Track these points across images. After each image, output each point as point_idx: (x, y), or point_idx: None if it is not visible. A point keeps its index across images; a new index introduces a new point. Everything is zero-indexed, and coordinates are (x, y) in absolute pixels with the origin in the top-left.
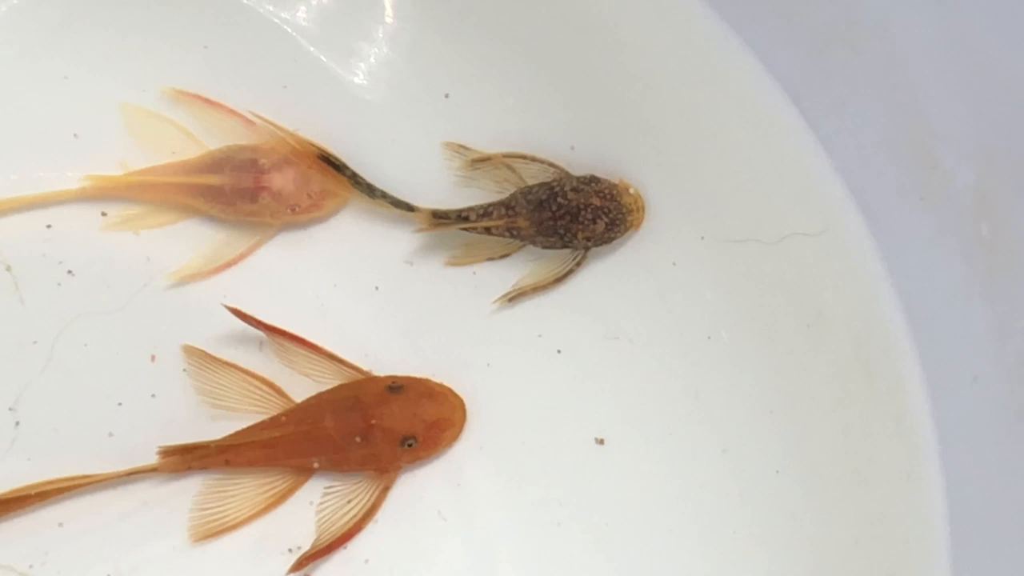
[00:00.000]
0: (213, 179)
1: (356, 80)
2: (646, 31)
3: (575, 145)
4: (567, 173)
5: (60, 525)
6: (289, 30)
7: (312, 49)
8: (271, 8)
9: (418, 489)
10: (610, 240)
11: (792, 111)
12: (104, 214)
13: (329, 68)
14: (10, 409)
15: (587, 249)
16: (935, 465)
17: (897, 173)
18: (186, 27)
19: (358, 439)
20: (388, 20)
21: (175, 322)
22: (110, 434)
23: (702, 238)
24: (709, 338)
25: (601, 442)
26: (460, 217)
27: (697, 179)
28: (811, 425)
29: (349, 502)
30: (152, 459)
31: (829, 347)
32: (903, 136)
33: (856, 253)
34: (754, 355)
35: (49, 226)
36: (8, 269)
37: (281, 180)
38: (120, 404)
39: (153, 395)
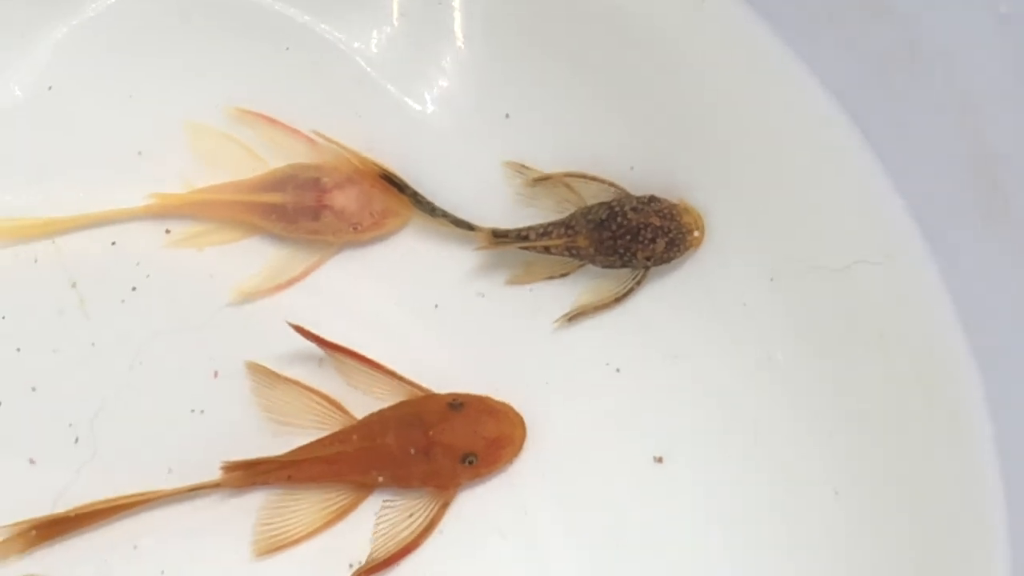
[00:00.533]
0: (276, 197)
1: (416, 100)
2: (707, 53)
3: (635, 165)
4: (627, 193)
5: (124, 540)
6: (354, 55)
7: (372, 71)
8: (338, 35)
9: (478, 506)
10: (670, 260)
11: (855, 133)
12: (168, 231)
13: (389, 88)
14: (69, 425)
15: (647, 268)
16: (997, 491)
17: (959, 196)
18: (252, 48)
19: (418, 455)
20: (457, 44)
21: (238, 339)
22: (173, 450)
23: (762, 260)
24: (768, 358)
25: (660, 461)
26: (520, 236)
27: (758, 200)
28: (870, 448)
29: (409, 516)
30: (215, 475)
31: (889, 369)
32: (965, 159)
33: (918, 275)
34: (813, 375)
35: (114, 243)
36: (73, 286)
37: (343, 199)
38: (183, 420)
39: (216, 411)
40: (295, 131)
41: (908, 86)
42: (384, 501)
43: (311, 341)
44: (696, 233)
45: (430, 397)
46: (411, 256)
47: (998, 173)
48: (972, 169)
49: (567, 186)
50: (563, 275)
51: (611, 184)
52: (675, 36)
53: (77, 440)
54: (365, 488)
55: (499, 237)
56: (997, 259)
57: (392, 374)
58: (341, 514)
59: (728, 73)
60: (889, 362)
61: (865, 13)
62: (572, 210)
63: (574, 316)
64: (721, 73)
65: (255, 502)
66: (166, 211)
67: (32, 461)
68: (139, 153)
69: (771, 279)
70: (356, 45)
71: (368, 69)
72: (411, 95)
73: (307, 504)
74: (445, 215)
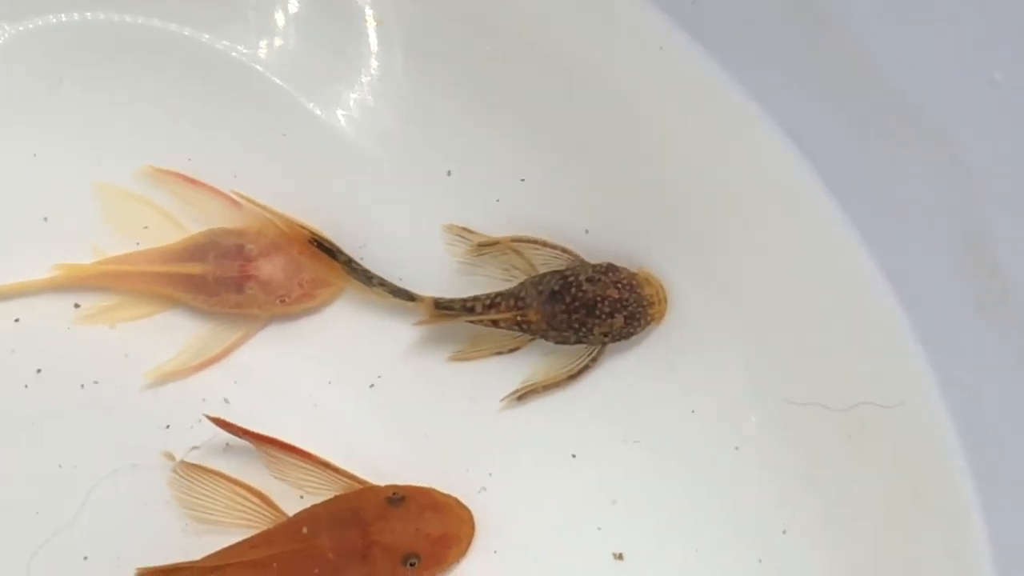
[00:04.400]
0: (195, 267)
1: (355, 161)
2: (669, 106)
3: (590, 228)
4: (582, 261)
5: None
6: (283, 89)
7: (305, 110)
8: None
9: None
10: (629, 335)
11: (833, 203)
12: (77, 306)
13: (327, 142)
14: None
15: (603, 344)
16: None
17: (951, 280)
18: (164, 96)
19: (355, 558)
20: (396, 90)
21: (154, 426)
22: (83, 555)
23: (733, 336)
24: (737, 449)
25: (620, 558)
26: (465, 308)
27: (724, 266)
28: (856, 546)
29: None
30: None
31: (873, 461)
32: (958, 239)
33: (904, 361)
34: (789, 461)
35: (16, 320)
36: None
37: (269, 268)
38: (93, 518)
39: (129, 508)
40: (216, 191)
41: (895, 157)
42: None
43: (234, 434)
44: (658, 307)
45: (367, 491)
46: (345, 330)
47: (994, 256)
48: (966, 250)
49: (516, 252)
50: (512, 351)
51: (564, 250)
52: (632, 86)
53: None
54: None
55: (442, 309)
56: (992, 347)
57: (325, 465)
58: None
59: (692, 128)
60: (871, 453)
61: (849, 76)
62: (521, 279)
63: (523, 395)
64: (685, 129)
65: None
66: (74, 283)
67: None
68: (44, 219)
69: (741, 352)
70: (285, 80)
71: (305, 101)
72: (346, 152)
73: None
74: (383, 284)
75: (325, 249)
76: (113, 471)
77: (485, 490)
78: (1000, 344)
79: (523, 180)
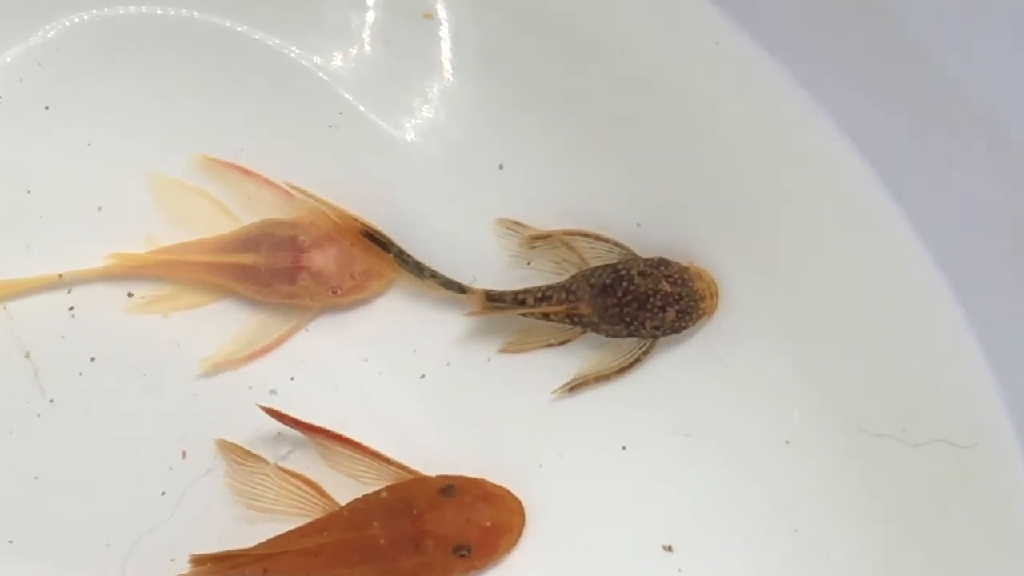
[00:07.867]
0: (248, 258)
1: (407, 152)
2: (724, 103)
3: (642, 222)
4: (633, 254)
5: None
6: (332, 83)
7: (356, 102)
8: (321, 63)
9: None
10: (681, 329)
11: (887, 197)
12: (130, 295)
13: (378, 133)
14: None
15: (655, 338)
16: None
17: (1002, 268)
18: (218, 88)
19: (407, 547)
20: (447, 84)
21: (207, 414)
22: (136, 539)
23: (784, 330)
24: (787, 442)
25: (669, 549)
26: (516, 300)
27: (777, 261)
28: (907, 539)
29: None
30: (184, 567)
31: (926, 455)
32: (1008, 225)
33: (958, 349)
34: (840, 455)
35: (71, 308)
36: (26, 356)
37: (322, 259)
38: (147, 505)
39: (183, 496)
40: (269, 183)
41: (946, 143)
42: None
43: (285, 424)
44: (710, 301)
45: (419, 481)
46: (396, 321)
47: None
48: (1017, 237)
49: (567, 246)
50: (562, 343)
51: (616, 244)
52: (687, 81)
53: (11, 543)
54: None
55: (493, 301)
56: None
57: (376, 455)
58: None
59: (746, 124)
60: (924, 446)
61: (904, 68)
62: (573, 272)
63: (574, 388)
64: (738, 123)
65: None
66: (128, 273)
67: None
68: (98, 208)
69: (792, 344)
70: (339, 75)
71: (358, 105)
72: (405, 145)
73: None
74: (434, 276)
75: (377, 241)
76: (207, 470)
77: (536, 481)
78: None
79: (575, 173)
